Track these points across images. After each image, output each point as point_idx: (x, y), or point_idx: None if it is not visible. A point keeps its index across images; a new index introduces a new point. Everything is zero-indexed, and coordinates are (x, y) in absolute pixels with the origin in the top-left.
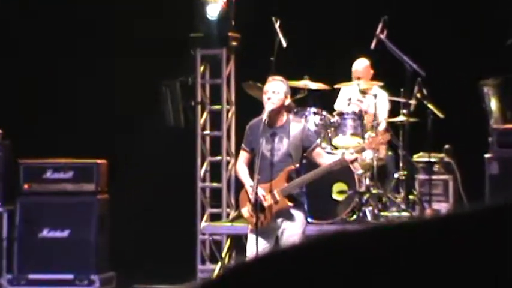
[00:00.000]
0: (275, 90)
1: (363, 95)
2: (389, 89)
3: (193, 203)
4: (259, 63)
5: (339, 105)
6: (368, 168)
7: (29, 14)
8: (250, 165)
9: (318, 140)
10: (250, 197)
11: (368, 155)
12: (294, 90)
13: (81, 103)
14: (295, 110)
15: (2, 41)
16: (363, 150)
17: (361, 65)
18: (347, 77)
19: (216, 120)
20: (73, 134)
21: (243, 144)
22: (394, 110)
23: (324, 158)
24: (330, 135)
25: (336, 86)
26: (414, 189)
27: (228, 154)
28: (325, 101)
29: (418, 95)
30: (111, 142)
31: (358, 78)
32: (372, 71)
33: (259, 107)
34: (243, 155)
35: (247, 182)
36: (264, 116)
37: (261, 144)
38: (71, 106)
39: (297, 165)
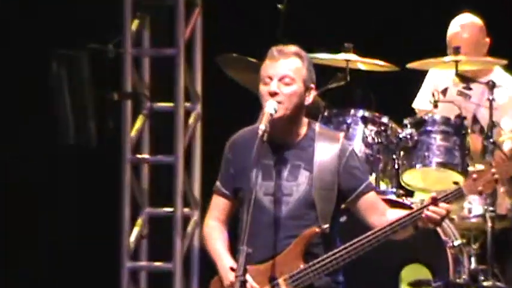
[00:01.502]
0: (286, 75)
1: (467, 85)
2: None
3: None
4: (250, 18)
5: (421, 104)
6: (475, 236)
7: None
8: (233, 226)
9: (373, 177)
10: None
11: (475, 208)
12: (324, 74)
13: None
14: (325, 114)
15: None
16: (461, 196)
17: (465, 27)
18: (434, 49)
19: (163, 131)
20: None
21: (217, 183)
22: None
23: (383, 212)
24: (396, 165)
25: (410, 66)
26: None
27: (187, 202)
28: (389, 95)
29: None
30: None
31: (459, 53)
32: (487, 40)
33: (251, 106)
34: (218, 205)
35: (224, 261)
36: (262, 125)
37: (254, 181)
38: None
39: (327, 226)
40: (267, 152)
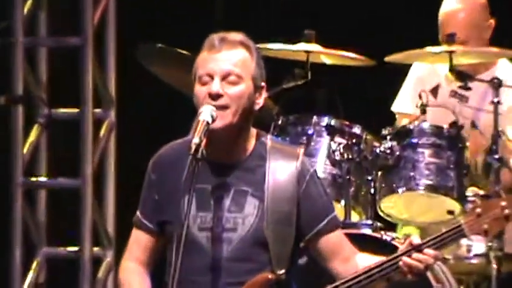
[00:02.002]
0: (231, 72)
1: (465, 84)
2: None
3: None
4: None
5: (403, 107)
6: (475, 281)
7: None
8: (159, 269)
9: (341, 205)
10: None
11: (476, 246)
12: (278, 70)
13: None
14: (279, 122)
15: None
16: (460, 236)
17: (463, 4)
18: (421, 38)
19: (65, 146)
20: None
21: (138, 213)
22: None
23: (349, 256)
24: (373, 189)
25: (390, 60)
26: None
27: (97, 239)
28: (362, 97)
29: None
30: None
31: (454, 41)
32: (491, 21)
33: (181, 112)
34: (138, 242)
35: None
36: (196, 138)
37: (186, 211)
38: None
39: (283, 272)
40: (204, 174)
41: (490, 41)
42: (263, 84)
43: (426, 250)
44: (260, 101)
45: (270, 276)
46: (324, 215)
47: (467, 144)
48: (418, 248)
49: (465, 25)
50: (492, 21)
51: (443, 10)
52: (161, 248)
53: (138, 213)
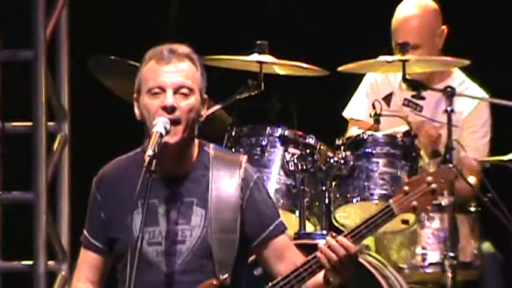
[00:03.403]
0: (183, 85)
1: (418, 93)
2: (486, 82)
3: None
4: (131, 10)
5: (355, 112)
6: None
7: None
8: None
9: (296, 215)
10: None
11: (431, 254)
12: (231, 81)
13: None
14: (232, 133)
15: None
16: (391, 216)
17: (415, 11)
18: (374, 47)
19: (18, 159)
20: None
21: (84, 233)
22: (501, 135)
23: (295, 261)
24: (327, 199)
25: (343, 69)
26: None
27: (51, 253)
28: (316, 108)
29: None
30: None
31: (407, 51)
32: (443, 28)
33: (132, 124)
34: (87, 261)
35: None
36: (150, 150)
37: (135, 227)
38: None
39: (226, 276)
40: (155, 188)
41: (443, 50)
42: (205, 96)
43: (340, 239)
44: (203, 113)
45: (214, 283)
46: (270, 221)
47: (421, 152)
48: (347, 235)
49: (418, 31)
50: (444, 28)
51: (397, 17)
52: (110, 266)
53: (85, 232)
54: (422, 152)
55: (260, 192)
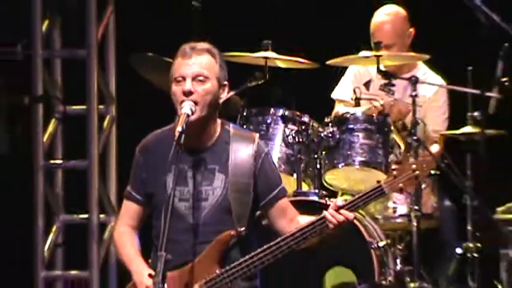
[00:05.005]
0: (200, 74)
1: (389, 81)
2: (445, 72)
3: None
4: (165, 16)
5: (341, 94)
6: (400, 236)
7: None
8: (145, 231)
9: (294, 178)
10: None
11: (400, 208)
12: (242, 73)
13: None
14: (244, 114)
15: None
16: (382, 193)
17: (388, 17)
18: (356, 44)
19: (75, 135)
20: None
21: (128, 188)
22: (455, 114)
23: (293, 218)
24: (318, 165)
25: (331, 63)
26: (498, 281)
27: (102, 208)
28: (309, 93)
29: (505, 80)
30: None
31: (380, 48)
32: (411, 30)
33: (168, 107)
34: (129, 211)
35: (137, 266)
36: (179, 127)
37: (168, 186)
38: None
39: (243, 228)
40: (181, 156)
41: (411, 47)
42: (226, 82)
43: (343, 211)
44: (224, 95)
45: (232, 233)
46: (275, 186)
47: (392, 128)
48: (344, 208)
49: (390, 33)
50: (412, 30)
51: (373, 22)
52: (146, 215)
53: (128, 188)
54: (392, 127)
55: (269, 163)
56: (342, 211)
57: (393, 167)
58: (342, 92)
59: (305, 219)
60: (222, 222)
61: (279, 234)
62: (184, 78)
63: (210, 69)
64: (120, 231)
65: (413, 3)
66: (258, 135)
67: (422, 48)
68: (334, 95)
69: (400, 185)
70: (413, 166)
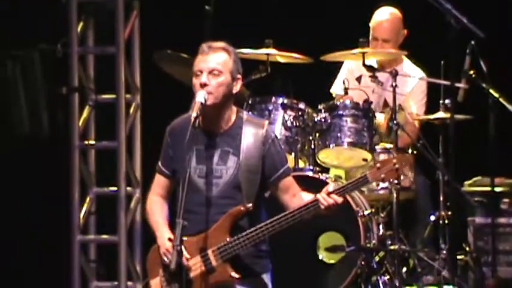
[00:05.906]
0: (215, 68)
1: (373, 74)
2: (422, 65)
3: (69, 270)
4: (182, 19)
5: (338, 89)
6: (382, 206)
7: None
8: (172, 201)
9: (292, 156)
10: (166, 259)
11: (381, 183)
12: (247, 67)
13: None
14: (249, 102)
15: None
16: (366, 182)
17: (388, 17)
18: (347, 40)
19: (106, 120)
20: None
21: (159, 163)
22: (430, 102)
23: (295, 193)
24: (313, 145)
25: (324, 58)
26: (466, 243)
27: (129, 182)
28: (305, 84)
29: (472, 72)
30: None
31: (366, 46)
32: (405, 31)
33: (185, 97)
34: (159, 183)
35: (162, 231)
36: (194, 113)
37: (189, 164)
38: None
39: (250, 205)
40: (200, 138)
41: (401, 45)
42: (239, 76)
43: (333, 196)
44: (237, 87)
45: (242, 208)
46: (281, 166)
47: (376, 114)
48: (336, 192)
49: (389, 30)
50: (405, 31)
51: (374, 19)
52: (173, 187)
53: (159, 163)
54: (376, 114)
55: (275, 147)
56: (332, 195)
57: (378, 162)
58: (339, 87)
59: (305, 195)
60: (233, 197)
61: (283, 206)
62: (201, 72)
63: (224, 64)
64: (152, 199)
65: (399, 6)
66: (267, 122)
67: (405, 45)
68: (333, 89)
69: (382, 175)
70: (395, 160)
